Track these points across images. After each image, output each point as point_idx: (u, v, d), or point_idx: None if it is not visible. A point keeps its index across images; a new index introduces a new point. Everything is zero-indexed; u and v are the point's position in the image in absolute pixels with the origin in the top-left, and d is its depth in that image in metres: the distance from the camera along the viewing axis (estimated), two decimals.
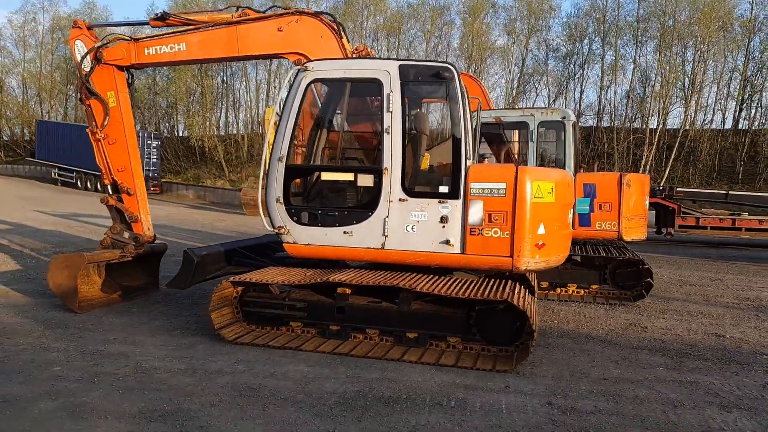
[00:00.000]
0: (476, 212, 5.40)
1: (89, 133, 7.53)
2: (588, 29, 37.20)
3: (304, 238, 5.83)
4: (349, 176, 5.83)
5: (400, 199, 5.56)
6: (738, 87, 33.95)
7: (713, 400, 4.64)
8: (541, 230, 5.42)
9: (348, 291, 5.70)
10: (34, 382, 4.57)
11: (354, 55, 6.61)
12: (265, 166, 5.85)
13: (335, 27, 6.53)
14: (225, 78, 42.27)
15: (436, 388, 4.69)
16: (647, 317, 7.46)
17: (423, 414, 4.16)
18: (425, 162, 6.19)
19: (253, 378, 4.80)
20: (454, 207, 5.46)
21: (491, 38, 38.42)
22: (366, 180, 5.65)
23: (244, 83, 42.97)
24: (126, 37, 7.25)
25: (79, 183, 34.27)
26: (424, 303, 5.64)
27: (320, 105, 6.51)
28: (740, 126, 34.00)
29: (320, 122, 6.34)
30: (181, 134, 47.28)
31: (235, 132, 42.82)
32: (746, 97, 34.23)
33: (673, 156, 31.34)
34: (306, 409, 4.20)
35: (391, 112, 5.53)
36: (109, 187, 7.56)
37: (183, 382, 4.67)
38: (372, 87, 5.74)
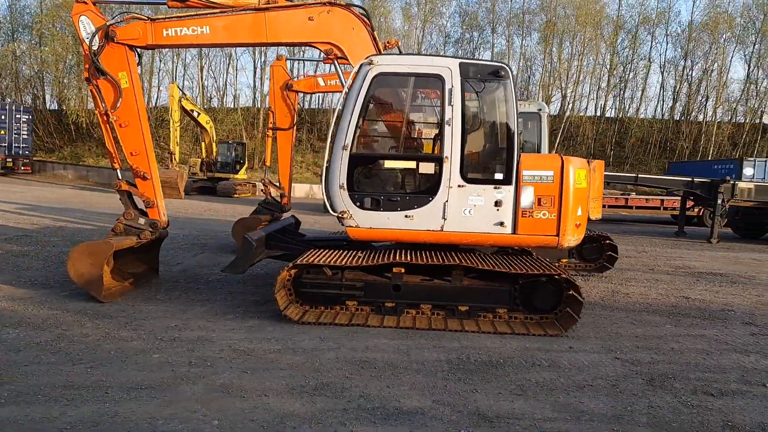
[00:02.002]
0: (528, 197, 6.11)
1: (98, 114, 7.19)
2: (480, 17, 39.38)
3: (366, 221, 6.19)
4: (411, 164, 6.27)
5: (458, 185, 6.10)
6: (607, 79, 37.96)
7: (727, 347, 5.77)
8: (579, 212, 6.25)
9: (402, 270, 6.18)
10: (150, 369, 4.57)
11: (385, 49, 6.99)
12: (327, 154, 6.10)
13: (366, 20, 6.85)
14: None
15: (516, 352, 5.35)
16: (619, 285, 8.69)
17: (532, 373, 4.81)
18: None
19: (354, 353, 5.15)
20: (507, 192, 6.12)
21: (389, 21, 39.30)
22: (428, 168, 6.13)
23: None
24: (143, 17, 7.00)
25: None
26: (473, 279, 6.26)
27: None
28: (609, 115, 38.05)
29: (379, 113, 6.66)
30: (50, 107, 43.26)
31: None
32: (613, 88, 38.35)
33: (557, 141, 34.39)
34: (431, 375, 4.67)
35: (452, 105, 6.04)
36: (118, 171, 7.30)
37: (295, 360, 4.91)
38: (433, 82, 6.19)
